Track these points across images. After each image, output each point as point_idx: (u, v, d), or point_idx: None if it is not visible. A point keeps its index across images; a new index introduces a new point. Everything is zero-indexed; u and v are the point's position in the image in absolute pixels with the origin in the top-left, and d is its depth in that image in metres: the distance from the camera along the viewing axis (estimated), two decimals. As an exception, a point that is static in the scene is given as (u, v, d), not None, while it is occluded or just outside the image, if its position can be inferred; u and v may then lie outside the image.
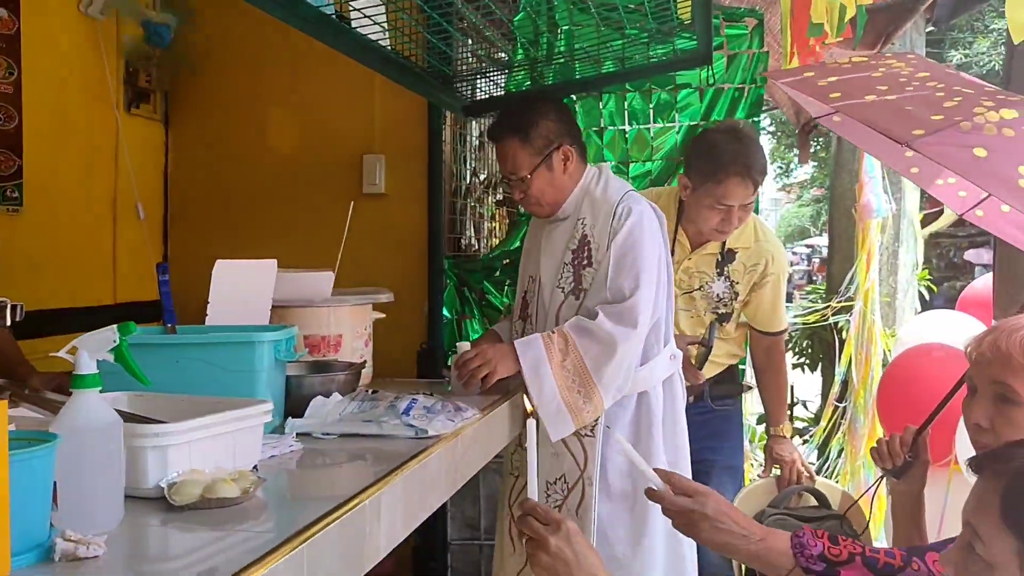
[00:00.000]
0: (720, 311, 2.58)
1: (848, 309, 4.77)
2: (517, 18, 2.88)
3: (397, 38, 2.31)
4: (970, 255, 11.69)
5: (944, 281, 10.78)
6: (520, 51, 3.03)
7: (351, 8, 2.05)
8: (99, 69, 2.83)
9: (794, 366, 5.21)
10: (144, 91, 3.04)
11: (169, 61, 3.09)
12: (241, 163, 3.16)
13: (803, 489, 2.59)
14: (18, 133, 2.52)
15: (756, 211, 2.69)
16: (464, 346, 2.17)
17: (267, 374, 1.59)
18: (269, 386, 1.60)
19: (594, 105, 3.21)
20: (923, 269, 5.76)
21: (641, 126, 3.20)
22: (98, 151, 2.87)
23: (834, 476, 4.49)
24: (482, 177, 3.56)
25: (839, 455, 4.64)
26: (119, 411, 1.18)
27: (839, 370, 4.74)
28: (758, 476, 2.74)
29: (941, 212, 5.89)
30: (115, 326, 1.15)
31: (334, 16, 2.01)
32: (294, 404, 1.72)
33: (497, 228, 3.71)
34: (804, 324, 5.38)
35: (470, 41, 2.96)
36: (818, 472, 4.44)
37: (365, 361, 2.14)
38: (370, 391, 1.86)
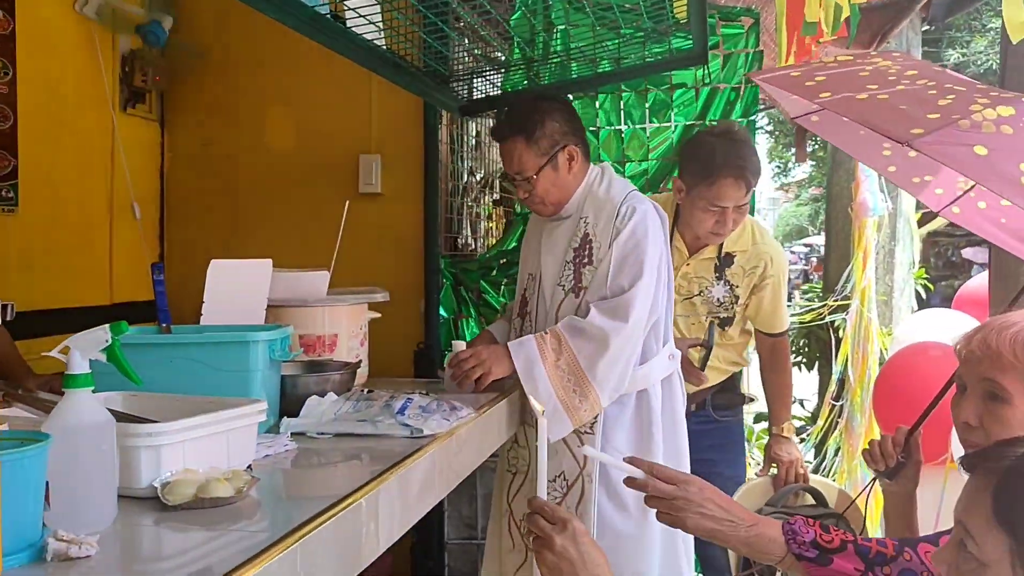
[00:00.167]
0: (721, 315, 2.57)
1: (845, 308, 4.78)
2: (514, 17, 2.88)
3: (393, 38, 2.31)
4: (967, 253, 11.70)
5: (941, 280, 10.79)
6: (517, 51, 3.04)
7: (346, 8, 2.05)
8: (95, 69, 2.83)
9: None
10: (140, 91, 3.03)
11: (165, 61, 3.09)
12: (237, 163, 3.16)
13: (800, 488, 2.59)
14: (13, 133, 2.52)
15: (753, 211, 2.69)
16: (459, 345, 2.17)
17: (262, 374, 1.59)
18: (264, 386, 1.60)
19: (590, 105, 3.21)
20: (920, 268, 5.77)
21: (637, 126, 3.20)
22: (94, 151, 2.87)
23: (831, 474, 4.49)
24: (479, 176, 3.56)
25: (836, 453, 4.65)
26: (112, 411, 1.18)
27: (836, 369, 4.75)
28: (755, 475, 2.74)
29: (938, 211, 5.88)
30: (107, 325, 1.15)
31: (329, 16, 2.01)
32: (289, 404, 1.72)
33: (494, 228, 3.70)
34: (801, 323, 5.39)
35: (466, 41, 2.96)
36: (815, 470, 4.45)
37: (360, 361, 2.14)
38: (365, 391, 1.85)
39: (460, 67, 2.86)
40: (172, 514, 1.14)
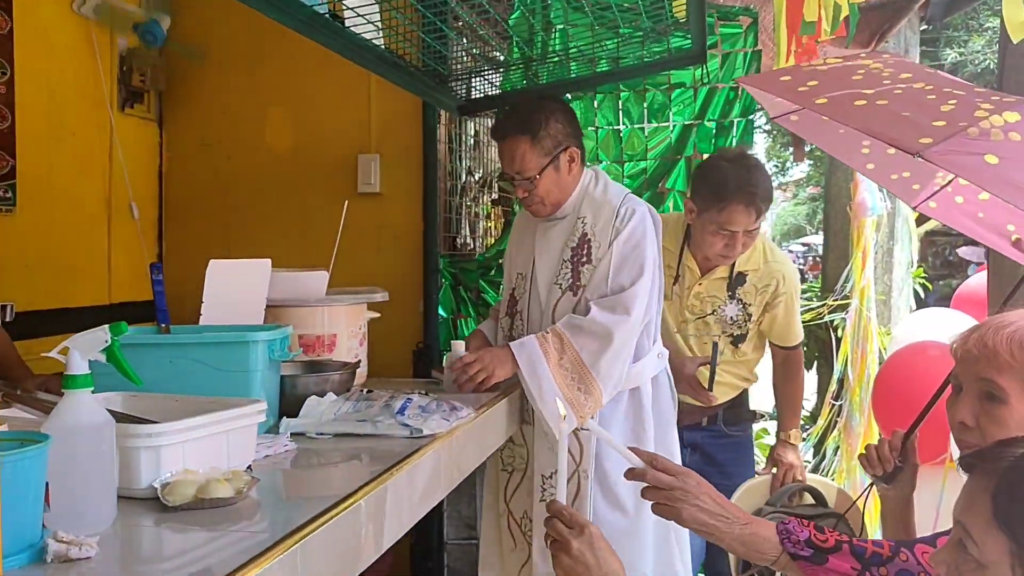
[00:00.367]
0: (735, 333, 2.58)
1: (844, 307, 4.77)
2: (512, 17, 2.88)
3: (391, 37, 2.31)
4: (964, 252, 11.68)
5: (939, 279, 10.79)
6: (515, 50, 3.04)
7: (344, 7, 2.04)
8: (92, 69, 2.82)
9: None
10: (138, 91, 3.03)
11: (163, 61, 3.08)
12: (235, 163, 3.16)
13: (800, 487, 2.59)
14: (11, 133, 2.51)
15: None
16: (458, 345, 2.17)
17: (261, 374, 1.59)
18: (263, 386, 1.60)
19: (588, 104, 3.21)
20: (918, 267, 5.76)
21: (635, 125, 3.20)
22: (92, 151, 2.87)
23: (830, 474, 4.49)
24: (477, 176, 3.55)
25: (835, 453, 4.65)
26: (112, 411, 1.18)
27: (835, 368, 4.75)
28: (756, 474, 2.74)
29: (936, 210, 5.88)
30: (106, 326, 1.15)
31: (328, 16, 2.01)
32: (289, 404, 1.71)
33: (492, 227, 3.70)
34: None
35: (465, 40, 2.96)
36: (814, 470, 4.45)
37: (360, 360, 2.14)
38: (365, 391, 1.86)
39: (459, 67, 2.86)
40: (172, 515, 1.14)
